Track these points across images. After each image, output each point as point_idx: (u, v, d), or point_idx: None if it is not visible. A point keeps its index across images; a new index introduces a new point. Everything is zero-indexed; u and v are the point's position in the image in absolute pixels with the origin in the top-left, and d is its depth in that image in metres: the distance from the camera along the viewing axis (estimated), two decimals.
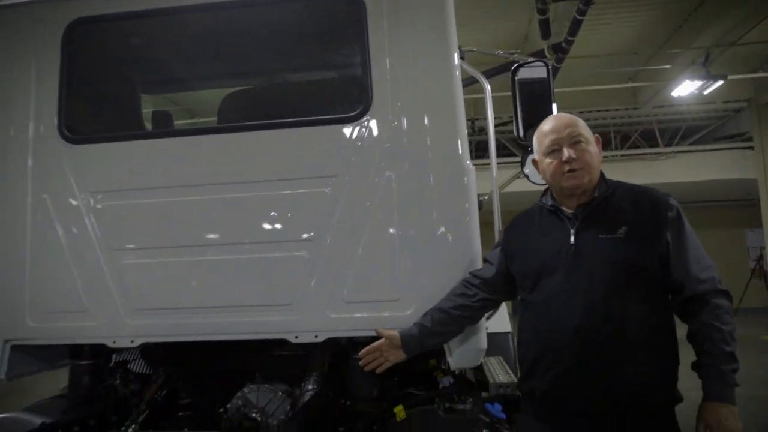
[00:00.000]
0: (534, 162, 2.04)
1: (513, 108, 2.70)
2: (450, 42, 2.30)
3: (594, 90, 10.06)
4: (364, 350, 2.10)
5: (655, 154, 12.36)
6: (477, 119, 10.61)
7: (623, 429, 1.76)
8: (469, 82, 3.69)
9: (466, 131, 2.30)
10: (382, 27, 2.29)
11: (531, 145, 3.06)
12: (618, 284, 1.77)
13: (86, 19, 2.45)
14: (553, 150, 1.89)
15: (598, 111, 11.99)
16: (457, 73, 2.31)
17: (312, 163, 2.28)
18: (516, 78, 2.72)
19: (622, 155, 12.41)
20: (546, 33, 6.50)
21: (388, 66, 2.28)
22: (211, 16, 2.45)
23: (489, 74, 3.66)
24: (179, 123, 5.39)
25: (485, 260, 2.13)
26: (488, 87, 2.49)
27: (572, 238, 1.85)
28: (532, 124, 2.80)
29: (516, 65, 2.74)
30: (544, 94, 2.65)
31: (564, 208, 1.92)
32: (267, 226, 2.29)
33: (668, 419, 1.80)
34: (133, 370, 2.64)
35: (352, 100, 2.36)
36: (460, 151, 2.24)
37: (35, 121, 2.45)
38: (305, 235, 2.24)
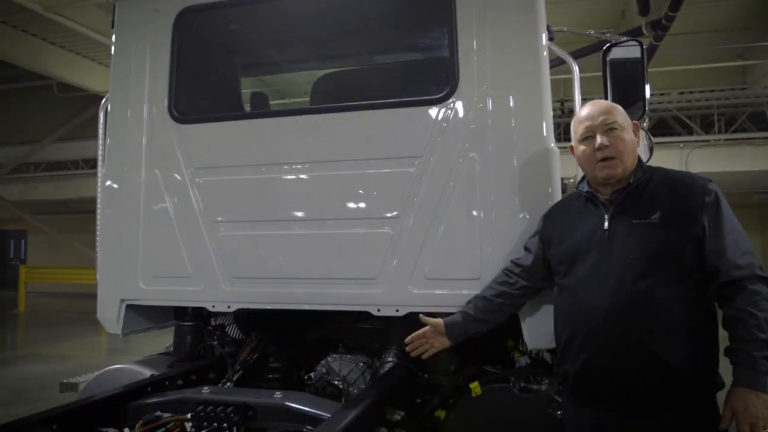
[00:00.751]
0: (570, 148, 2.00)
1: (603, 89, 2.64)
2: (538, 23, 2.29)
3: (697, 69, 9.41)
4: (409, 337, 2.15)
5: (765, 138, 11.41)
6: (567, 100, 10.25)
7: (656, 414, 1.73)
8: (557, 63, 3.63)
9: (552, 113, 2.29)
10: (470, 8, 2.31)
11: None
12: (650, 268, 1.74)
13: (194, 8, 2.64)
14: (587, 137, 1.88)
15: (701, 92, 11.22)
16: (545, 53, 2.30)
17: (398, 143, 2.35)
18: (607, 58, 2.65)
19: (726, 140, 11.55)
20: (644, 9, 6.18)
21: (475, 47, 2.30)
22: (305, 2, 2.56)
23: (578, 54, 3.57)
24: (273, 104, 5.63)
25: (525, 248, 2.13)
26: (576, 68, 2.45)
27: (606, 224, 1.85)
28: (623, 106, 2.74)
29: (608, 45, 2.67)
30: (636, 75, 2.57)
31: (599, 195, 1.91)
32: (354, 204, 2.40)
33: (705, 406, 1.74)
34: (229, 334, 2.85)
35: (439, 81, 2.40)
36: (545, 133, 2.24)
37: (149, 103, 2.68)
38: (390, 213, 2.33)
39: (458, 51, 2.31)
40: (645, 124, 2.97)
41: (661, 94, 11.18)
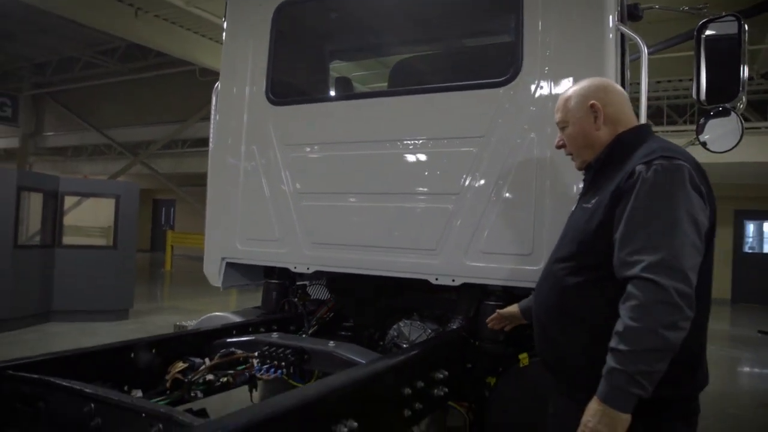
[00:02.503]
0: None
1: (695, 68, 2.56)
2: (604, 6, 2.28)
3: None
4: (489, 318, 2.24)
5: None
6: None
7: (567, 397, 1.70)
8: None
9: None
10: None
11: (712, 109, 2.86)
12: (569, 253, 1.69)
13: (290, 2, 2.95)
14: None
15: None
16: (610, 36, 2.29)
17: (463, 124, 2.49)
18: (702, 35, 2.56)
19: None
20: None
21: (540, 30, 2.36)
22: None
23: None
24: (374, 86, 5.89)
25: None
26: (645, 50, 2.40)
27: (574, 207, 1.87)
28: (716, 86, 2.63)
29: (703, 21, 2.58)
30: (732, 53, 2.47)
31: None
32: (420, 180, 2.58)
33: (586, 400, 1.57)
34: (311, 294, 3.18)
35: (505, 65, 2.49)
36: None
37: (250, 86, 3.05)
38: (452, 190, 2.49)
39: (523, 34, 2.38)
40: (741, 106, 2.81)
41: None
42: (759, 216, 15.01)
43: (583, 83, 1.82)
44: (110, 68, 16.80)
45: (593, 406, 1.46)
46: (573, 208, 1.87)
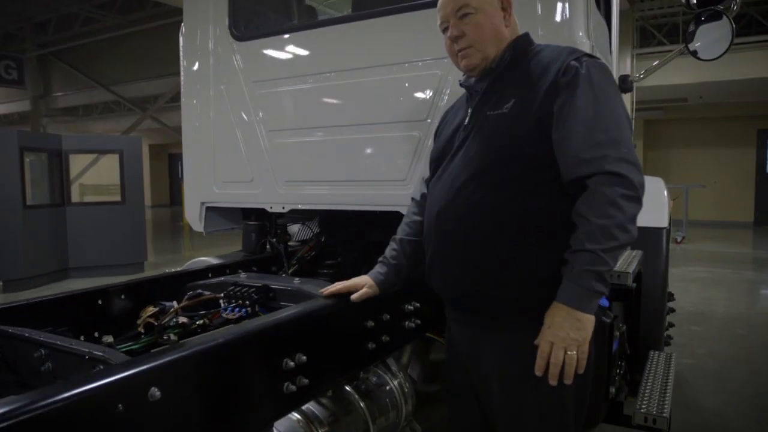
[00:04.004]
0: None
1: None
2: None
3: None
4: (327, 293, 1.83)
5: None
6: None
7: (484, 330, 1.59)
8: None
9: (584, 3, 2.12)
10: None
11: (704, 13, 2.69)
12: (486, 166, 1.52)
13: None
14: (445, 28, 1.66)
15: None
16: None
17: (429, 45, 2.35)
18: None
19: None
20: None
21: None
22: None
23: None
24: None
25: None
26: None
27: (467, 119, 1.64)
28: None
29: None
30: None
31: (472, 85, 1.67)
32: (389, 108, 2.47)
33: (523, 323, 1.49)
34: (299, 235, 3.15)
35: None
36: (572, 21, 2.10)
37: (213, 24, 2.92)
38: (419, 116, 2.38)
39: None
40: (735, 7, 2.63)
41: None
42: None
43: None
44: (109, 22, 16.55)
45: (558, 316, 1.38)
46: (465, 121, 1.65)
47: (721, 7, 2.53)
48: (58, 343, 1.52)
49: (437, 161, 1.73)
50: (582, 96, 1.43)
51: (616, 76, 2.40)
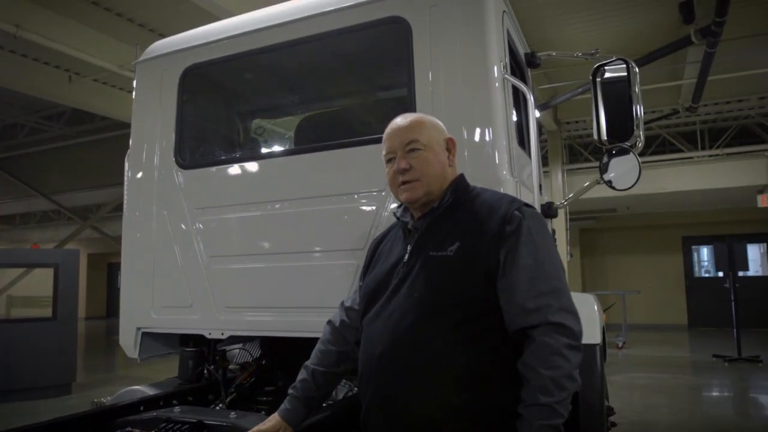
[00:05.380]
0: None
1: (594, 110, 2.67)
2: (488, 60, 2.35)
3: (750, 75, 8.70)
4: None
5: None
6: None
7: None
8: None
9: (506, 144, 2.34)
10: (426, 46, 2.43)
11: (614, 149, 2.96)
12: (434, 308, 1.53)
13: (194, 66, 2.96)
14: (390, 159, 1.73)
15: (761, 98, 10.48)
16: (497, 87, 2.35)
17: (364, 179, 2.50)
18: (597, 79, 2.69)
19: None
20: (688, 17, 5.95)
21: (430, 84, 2.41)
22: (274, 54, 2.79)
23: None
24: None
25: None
26: (531, 98, 2.49)
27: (406, 256, 1.65)
28: (615, 126, 2.74)
29: (596, 65, 2.70)
30: (625, 94, 2.59)
31: (410, 221, 1.72)
32: (327, 237, 2.55)
33: None
34: (230, 360, 3.08)
35: None
36: (497, 162, 2.30)
37: (159, 151, 3.02)
38: (357, 245, 2.47)
39: (415, 88, 2.42)
40: (640, 144, 2.93)
41: (740, 101, 10.52)
42: (705, 241, 15.53)
43: (429, 116, 1.78)
44: (56, 132, 16.56)
45: None
46: (404, 259, 1.66)
47: (628, 144, 2.79)
48: None
49: (371, 295, 1.71)
50: (524, 246, 1.51)
51: (538, 204, 2.58)
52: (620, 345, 11.43)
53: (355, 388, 2.60)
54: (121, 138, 15.49)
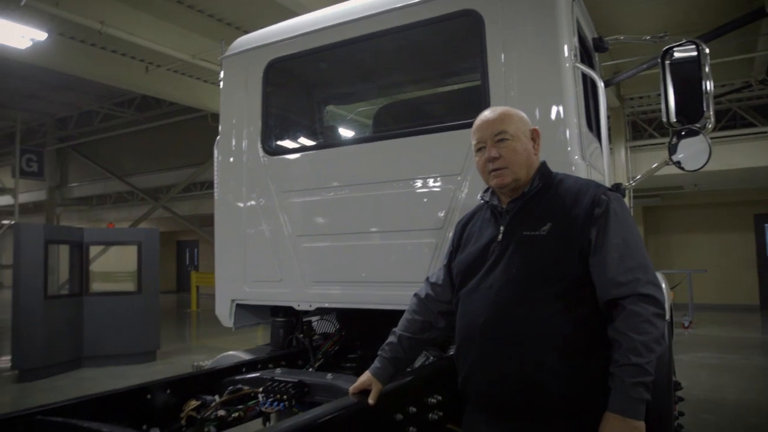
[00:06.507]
0: None
1: (662, 91, 2.73)
2: (559, 48, 2.47)
3: None
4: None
5: None
6: None
7: (515, 426, 1.74)
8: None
9: (577, 129, 2.46)
10: (498, 36, 2.56)
11: (683, 130, 3.02)
12: (530, 283, 1.71)
13: (277, 60, 3.20)
14: (480, 148, 1.88)
15: None
16: (568, 74, 2.46)
17: (442, 163, 2.68)
18: (666, 61, 2.74)
19: None
20: None
21: (503, 74, 2.55)
22: (353, 47, 2.99)
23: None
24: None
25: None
26: (601, 84, 2.58)
27: (500, 236, 1.82)
28: (684, 108, 2.79)
29: (665, 48, 2.75)
30: (694, 76, 2.64)
31: (500, 204, 1.89)
32: (407, 217, 2.76)
33: (574, 428, 1.67)
34: (315, 329, 3.36)
35: (475, 106, 2.68)
36: (569, 147, 2.43)
37: (247, 138, 3.29)
38: (436, 224, 2.67)
39: (488, 77, 2.57)
40: (710, 125, 2.97)
41: None
42: None
43: (515, 109, 1.92)
44: (127, 118, 17.50)
45: (615, 426, 1.56)
46: (497, 238, 1.82)
47: (698, 126, 2.83)
48: None
49: (467, 271, 1.89)
50: (612, 226, 1.69)
51: (609, 182, 2.68)
52: (687, 324, 11.22)
53: (431, 358, 2.82)
54: (187, 123, 16.18)
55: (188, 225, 19.49)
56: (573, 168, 2.40)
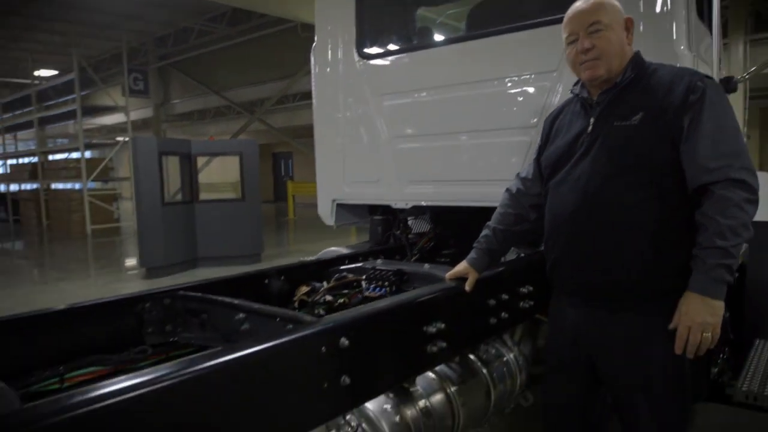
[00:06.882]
0: None
1: None
2: None
3: None
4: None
5: None
6: None
7: (615, 312, 1.82)
8: None
9: (685, 16, 2.32)
10: None
11: None
12: (620, 170, 1.75)
13: None
14: (572, 41, 1.84)
15: None
16: None
17: (537, 60, 2.65)
18: None
19: None
20: None
21: None
22: None
23: None
24: None
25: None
26: None
27: (590, 127, 1.83)
28: None
29: None
30: None
31: (590, 96, 1.88)
32: (501, 116, 2.79)
33: (659, 310, 1.74)
34: (411, 227, 3.54)
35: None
36: (674, 35, 2.31)
37: (342, 43, 3.38)
38: (529, 123, 2.68)
39: None
40: None
41: None
42: None
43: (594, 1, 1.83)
44: (220, 33, 17.94)
45: (693, 304, 1.62)
46: (587, 129, 1.85)
47: None
48: (255, 307, 1.98)
49: (556, 163, 1.95)
50: (707, 112, 1.67)
51: (718, 76, 2.55)
52: None
53: (522, 254, 2.93)
54: (277, 35, 16.36)
55: (283, 137, 20.18)
56: (678, 60, 2.30)
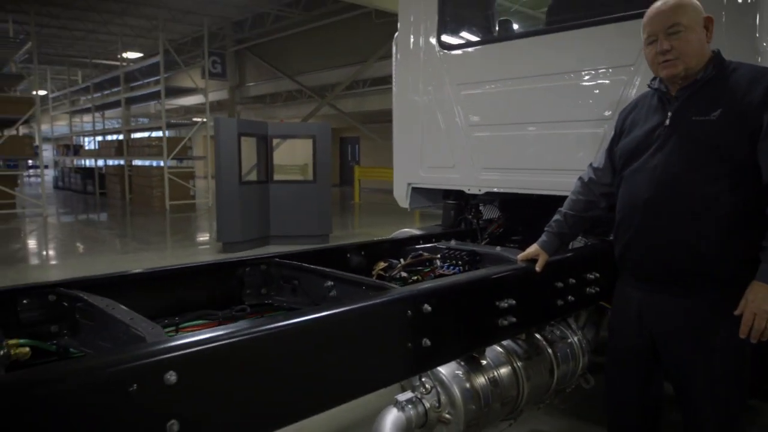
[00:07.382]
0: None
1: None
2: None
3: None
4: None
5: None
6: None
7: (684, 297, 1.90)
8: None
9: None
10: None
11: None
12: (697, 163, 1.82)
13: None
14: (651, 42, 1.90)
15: None
16: None
17: (613, 54, 2.72)
18: None
19: None
20: None
21: None
22: None
23: None
24: None
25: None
26: None
27: (667, 121, 1.90)
28: None
29: None
30: None
31: (668, 91, 1.94)
32: (575, 108, 2.88)
33: (728, 296, 1.81)
34: (482, 213, 3.69)
35: None
36: (757, 31, 2.33)
37: (423, 34, 3.54)
38: (603, 115, 2.77)
39: None
40: None
41: None
42: None
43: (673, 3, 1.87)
44: (295, 18, 18.41)
45: (760, 293, 1.72)
46: (665, 123, 1.92)
47: None
48: (345, 276, 2.21)
49: (631, 153, 2.04)
50: None
51: None
52: None
53: (589, 243, 3.02)
54: (351, 21, 16.66)
55: (351, 121, 20.55)
56: (760, 56, 2.32)
